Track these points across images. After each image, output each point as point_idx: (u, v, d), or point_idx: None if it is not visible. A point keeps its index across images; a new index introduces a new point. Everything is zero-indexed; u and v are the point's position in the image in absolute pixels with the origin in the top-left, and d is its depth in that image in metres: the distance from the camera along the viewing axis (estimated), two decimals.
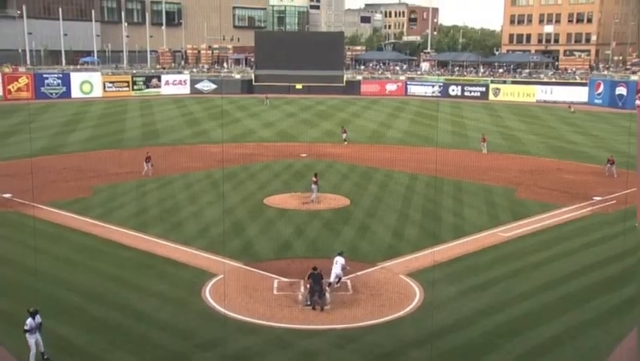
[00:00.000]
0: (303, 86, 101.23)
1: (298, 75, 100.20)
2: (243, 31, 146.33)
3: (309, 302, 22.30)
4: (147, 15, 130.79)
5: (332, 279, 23.74)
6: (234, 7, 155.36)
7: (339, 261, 24.03)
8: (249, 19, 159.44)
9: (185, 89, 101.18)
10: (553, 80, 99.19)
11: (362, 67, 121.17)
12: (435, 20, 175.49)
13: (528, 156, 53.09)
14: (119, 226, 31.63)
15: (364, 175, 44.51)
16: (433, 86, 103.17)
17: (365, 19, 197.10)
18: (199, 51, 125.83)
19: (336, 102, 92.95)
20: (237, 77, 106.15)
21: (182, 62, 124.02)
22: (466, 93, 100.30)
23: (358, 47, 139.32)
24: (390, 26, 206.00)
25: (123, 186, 40.20)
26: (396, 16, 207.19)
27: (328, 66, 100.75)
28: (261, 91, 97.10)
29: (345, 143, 57.52)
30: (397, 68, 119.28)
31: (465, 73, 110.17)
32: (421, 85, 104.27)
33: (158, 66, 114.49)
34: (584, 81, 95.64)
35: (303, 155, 51.15)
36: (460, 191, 39.95)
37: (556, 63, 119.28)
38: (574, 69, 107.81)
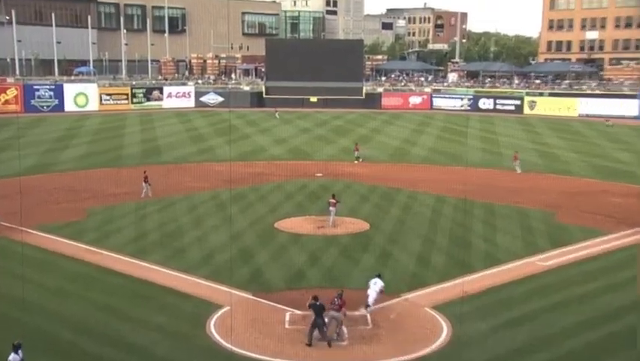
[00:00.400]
0: (318, 99, 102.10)
1: (313, 87, 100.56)
2: (253, 39, 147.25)
3: (307, 341, 21.83)
4: (148, 21, 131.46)
5: (370, 301, 23.97)
6: (244, 13, 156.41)
7: (378, 283, 24.34)
8: (259, 26, 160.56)
9: (190, 102, 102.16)
10: (597, 91, 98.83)
11: (383, 78, 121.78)
12: (464, 26, 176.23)
13: (568, 176, 52.76)
14: (115, 252, 31.68)
15: (386, 197, 44.53)
16: (461, 98, 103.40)
17: (387, 26, 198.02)
18: (205, 61, 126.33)
19: (354, 117, 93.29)
20: (246, 89, 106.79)
21: (186, 73, 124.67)
22: (499, 107, 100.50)
23: (379, 56, 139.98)
24: (414, 33, 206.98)
25: (121, 208, 40.29)
26: (421, 22, 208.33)
27: (346, 77, 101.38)
28: (272, 104, 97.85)
29: (357, 161, 57.49)
30: (422, 79, 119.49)
31: (497, 84, 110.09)
32: (449, 98, 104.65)
33: (159, 77, 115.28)
34: (633, 93, 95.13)
35: (319, 174, 51.32)
36: (493, 214, 39.83)
37: (601, 73, 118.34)
38: (621, 80, 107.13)
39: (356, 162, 57.60)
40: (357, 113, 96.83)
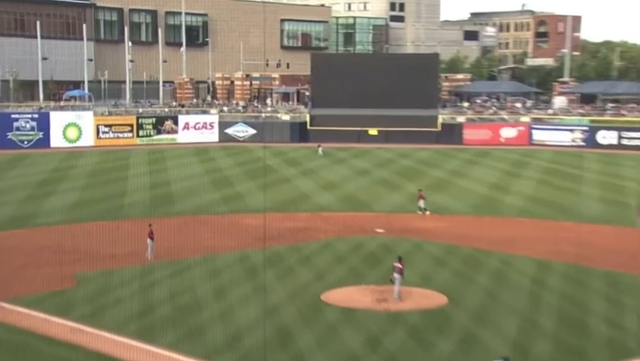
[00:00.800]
0: (379, 131, 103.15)
1: (373, 116, 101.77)
2: (295, 53, 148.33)
3: None
4: (160, 32, 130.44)
5: None
6: (283, 21, 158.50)
7: None
8: (303, 38, 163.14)
9: (213, 136, 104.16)
10: None
11: (465, 104, 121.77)
12: (576, 34, 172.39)
13: None
14: (113, 331, 31.50)
15: (469, 261, 44.39)
16: (572, 131, 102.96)
17: (470, 35, 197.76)
18: (232, 82, 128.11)
19: (427, 154, 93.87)
20: (286, 118, 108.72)
21: (209, 98, 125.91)
22: (625, 141, 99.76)
23: (460, 76, 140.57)
24: (507, 44, 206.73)
25: (121, 274, 40.36)
26: (517, 29, 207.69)
27: (416, 103, 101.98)
28: (318, 138, 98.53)
29: (421, 213, 57.69)
30: (518, 105, 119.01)
31: (623, 111, 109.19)
32: (554, 130, 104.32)
33: (174, 103, 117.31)
34: None
35: (380, 230, 51.43)
36: (617, 288, 39.11)
37: None
38: None
39: (419, 212, 57.81)
40: (430, 149, 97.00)
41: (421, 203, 58.39)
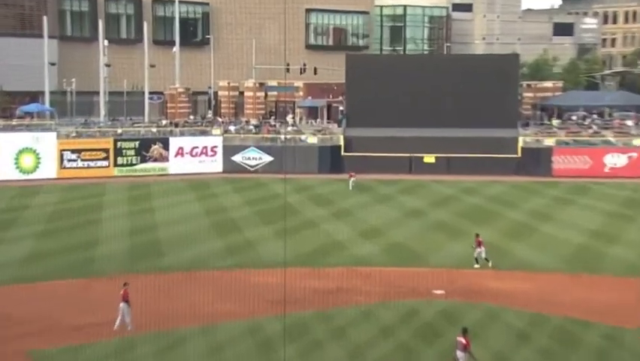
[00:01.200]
0: (437, 158, 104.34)
1: (429, 138, 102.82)
2: (325, 54, 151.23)
3: None
4: (145, 27, 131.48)
5: None
6: (309, 11, 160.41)
7: None
8: (335, 34, 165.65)
9: (215, 164, 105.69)
10: None
11: (555, 121, 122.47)
12: None
13: None
14: None
15: (561, 335, 44.06)
16: None
17: (563, 29, 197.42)
18: (241, 93, 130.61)
19: (502, 190, 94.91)
20: (313, 141, 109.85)
21: (210, 114, 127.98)
22: None
23: (548, 84, 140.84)
24: (614, 41, 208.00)
25: (89, 351, 40.12)
26: (628, 20, 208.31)
27: (489, 121, 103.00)
28: (355, 166, 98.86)
29: (478, 266, 58.60)
30: (629, 122, 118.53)
31: None
32: None
33: (164, 121, 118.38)
34: None
35: (438, 292, 51.72)
36: None
37: None
38: None
39: (477, 266, 58.77)
40: (506, 183, 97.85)
41: (481, 252, 59.01)
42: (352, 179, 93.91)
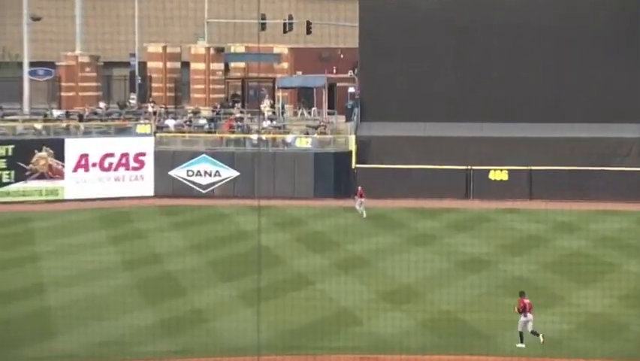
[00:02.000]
0: (511, 173, 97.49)
1: (497, 141, 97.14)
2: (323, 1, 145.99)
3: None
4: None
5: None
6: None
7: None
8: None
9: (142, 184, 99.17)
10: None
11: None
12: None
13: None
14: None
15: None
16: None
17: None
18: (185, 64, 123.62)
19: (624, 225, 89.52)
20: (304, 145, 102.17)
21: (133, 99, 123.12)
22: None
23: None
24: None
25: None
26: None
27: (601, 112, 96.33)
28: (374, 186, 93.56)
29: (522, 345, 56.08)
30: None
31: None
32: None
33: (57, 112, 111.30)
34: None
35: None
36: None
37: None
38: None
39: (521, 345, 55.68)
40: (632, 213, 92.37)
41: (527, 322, 56.14)
42: (360, 200, 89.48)
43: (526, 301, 54.64)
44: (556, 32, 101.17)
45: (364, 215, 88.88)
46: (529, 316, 54.01)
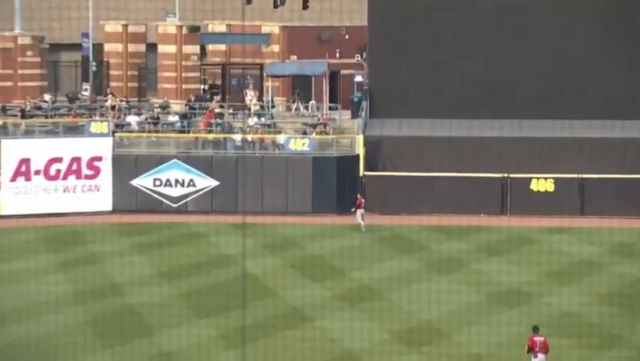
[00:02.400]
0: (558, 182, 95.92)
1: (540, 143, 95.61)
2: None
3: None
4: None
5: None
6: None
7: None
8: None
9: (98, 196, 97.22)
10: None
11: None
12: None
13: None
14: None
15: None
16: None
17: None
18: (151, 46, 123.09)
19: None
20: (301, 147, 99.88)
21: (86, 90, 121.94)
22: None
23: None
24: None
25: None
26: None
27: None
28: (387, 197, 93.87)
29: None
30: None
31: None
32: None
33: None
34: None
35: None
36: None
37: None
38: None
39: None
40: None
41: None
42: (360, 211, 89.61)
43: (538, 338, 54.89)
44: (614, 18, 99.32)
45: (363, 229, 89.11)
46: (540, 357, 54.61)
